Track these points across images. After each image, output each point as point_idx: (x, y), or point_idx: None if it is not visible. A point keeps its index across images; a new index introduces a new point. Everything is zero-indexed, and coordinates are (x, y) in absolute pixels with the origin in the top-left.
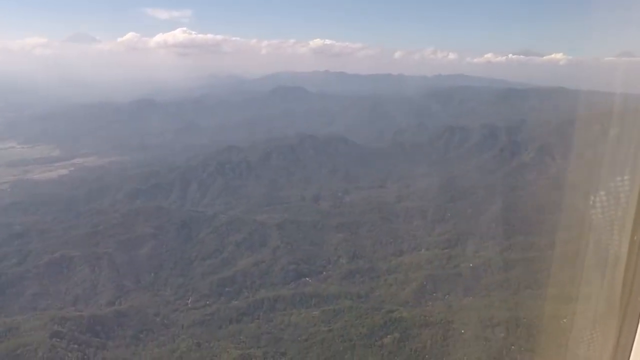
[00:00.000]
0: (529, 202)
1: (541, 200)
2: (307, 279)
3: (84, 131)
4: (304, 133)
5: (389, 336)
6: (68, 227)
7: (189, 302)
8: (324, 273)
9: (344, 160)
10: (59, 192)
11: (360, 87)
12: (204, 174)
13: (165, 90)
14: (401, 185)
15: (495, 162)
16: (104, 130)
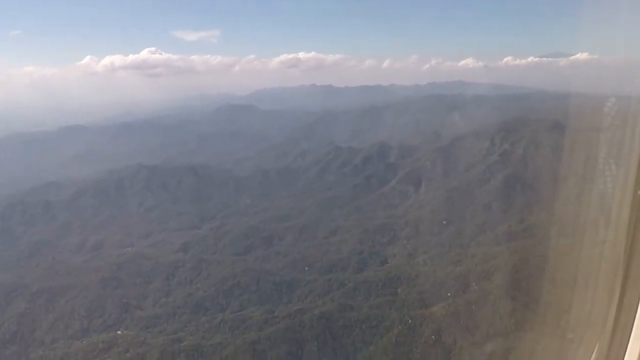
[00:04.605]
0: (329, 254)
1: (342, 253)
2: None
3: None
4: (142, 164)
5: None
6: None
7: None
8: None
9: (178, 195)
10: None
11: (338, 101)
12: None
13: (140, 111)
14: (217, 225)
15: (352, 193)
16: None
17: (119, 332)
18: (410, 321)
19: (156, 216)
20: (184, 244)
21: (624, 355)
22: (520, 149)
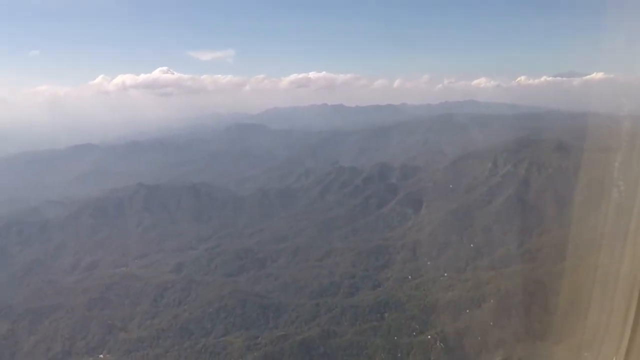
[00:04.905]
0: (320, 278)
1: (334, 276)
2: None
3: None
4: (143, 183)
5: None
6: None
7: None
8: None
9: (177, 215)
10: None
11: (348, 120)
12: None
13: (152, 130)
14: (213, 245)
15: (351, 214)
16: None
17: (101, 355)
18: (394, 350)
19: (154, 236)
20: (178, 264)
21: None
22: (523, 170)
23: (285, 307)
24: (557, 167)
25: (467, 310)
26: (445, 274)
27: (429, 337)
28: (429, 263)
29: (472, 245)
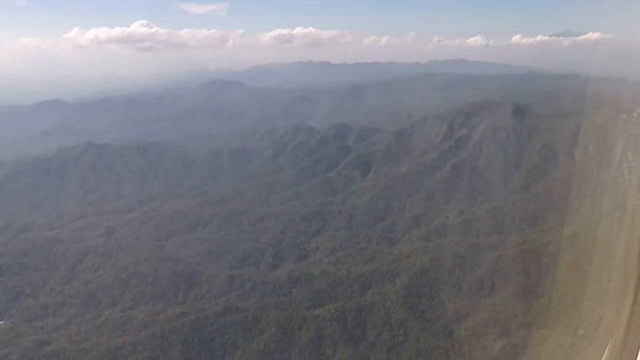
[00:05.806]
0: (246, 244)
1: (259, 243)
2: None
3: None
4: (92, 142)
5: None
6: None
7: None
8: None
9: (124, 175)
10: None
11: (332, 78)
12: None
13: (128, 86)
14: (152, 208)
15: (297, 176)
16: None
17: (1, 322)
18: (287, 324)
19: (95, 198)
20: (110, 227)
21: (637, 353)
22: (477, 134)
23: (199, 277)
24: (512, 131)
25: (378, 285)
26: (375, 245)
27: (326, 310)
28: (361, 232)
29: (411, 213)
